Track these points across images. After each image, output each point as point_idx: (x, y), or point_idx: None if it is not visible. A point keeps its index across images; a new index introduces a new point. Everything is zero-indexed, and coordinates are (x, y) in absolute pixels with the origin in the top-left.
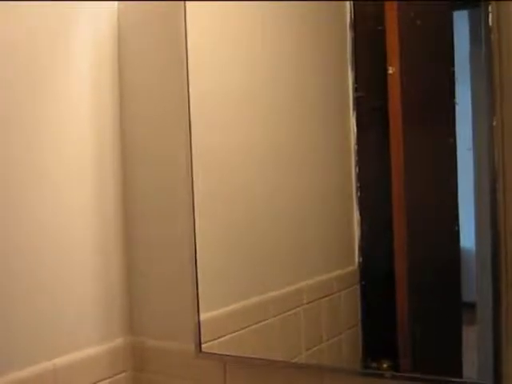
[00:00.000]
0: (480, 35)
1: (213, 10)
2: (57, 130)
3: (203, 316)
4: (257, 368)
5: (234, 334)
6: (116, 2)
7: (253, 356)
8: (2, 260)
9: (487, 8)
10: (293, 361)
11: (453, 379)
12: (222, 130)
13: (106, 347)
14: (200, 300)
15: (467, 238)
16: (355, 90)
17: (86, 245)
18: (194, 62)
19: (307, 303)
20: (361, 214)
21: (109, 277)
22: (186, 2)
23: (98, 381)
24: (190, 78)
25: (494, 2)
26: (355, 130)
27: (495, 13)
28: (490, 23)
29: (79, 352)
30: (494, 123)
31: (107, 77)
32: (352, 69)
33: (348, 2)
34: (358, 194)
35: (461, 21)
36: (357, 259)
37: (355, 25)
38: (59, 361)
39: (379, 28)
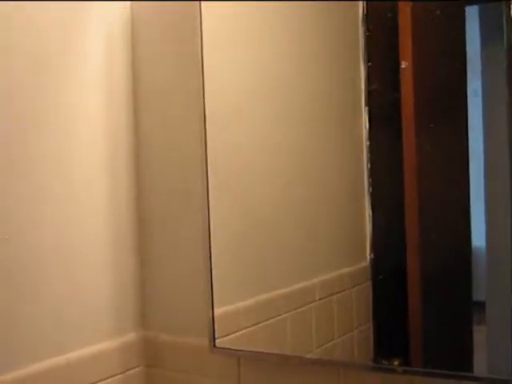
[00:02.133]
0: (492, 30)
1: (227, 6)
2: (70, 128)
3: (217, 311)
4: (271, 363)
5: (247, 330)
6: (129, 2)
7: (267, 351)
8: (14, 253)
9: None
10: (307, 356)
11: (465, 373)
12: (237, 127)
13: (119, 342)
14: (214, 295)
15: (478, 236)
16: (368, 84)
17: (99, 240)
18: (209, 59)
19: (319, 299)
20: (373, 210)
21: (122, 271)
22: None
23: (111, 376)
24: (204, 75)
25: None
26: (367, 126)
27: None
28: None
29: (92, 347)
30: None
31: (121, 75)
32: (365, 63)
33: None
34: (370, 189)
35: (472, 15)
36: (368, 256)
37: (368, 19)
38: (72, 355)
39: (392, 22)
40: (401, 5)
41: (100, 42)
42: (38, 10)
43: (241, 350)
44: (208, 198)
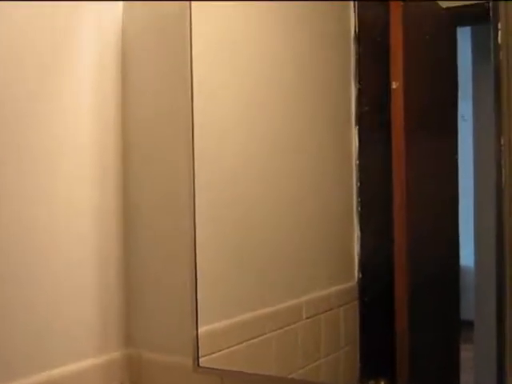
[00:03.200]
0: (484, 52)
1: (218, 14)
2: (58, 133)
3: (201, 330)
4: (254, 383)
5: (232, 349)
6: (121, 3)
7: (250, 371)
8: None
9: (496, 25)
10: (290, 376)
11: None
12: (225, 139)
13: (103, 360)
14: (198, 313)
15: (467, 256)
16: (359, 104)
17: (85, 257)
18: (199, 66)
19: (306, 318)
20: (361, 230)
21: (107, 289)
22: (192, 4)
23: None
24: (194, 81)
25: (503, 19)
26: (357, 144)
27: (504, 30)
28: (499, 41)
29: (76, 364)
30: (502, 142)
31: (110, 81)
32: (356, 83)
33: (353, 17)
34: (359, 209)
35: (464, 37)
36: (356, 275)
37: (360, 38)
38: (55, 372)
39: (384, 42)
40: (392, 25)
41: (91, 46)
42: (29, 13)
43: (224, 370)
44: (194, 217)
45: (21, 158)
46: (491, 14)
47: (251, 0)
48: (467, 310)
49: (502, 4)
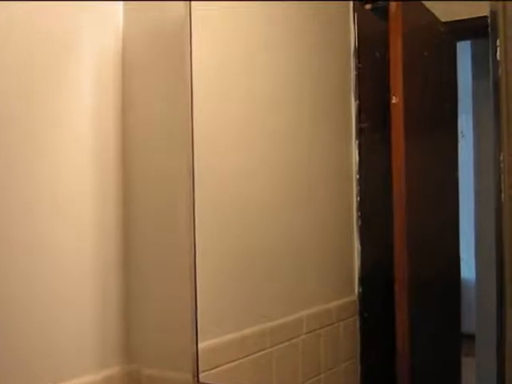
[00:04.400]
0: (483, 67)
1: (219, 23)
2: (56, 139)
3: (201, 345)
4: None
5: (232, 364)
6: (121, 6)
7: None
8: None
9: (495, 42)
10: None
11: None
12: (224, 152)
13: (103, 375)
14: (198, 328)
15: (468, 269)
16: (358, 119)
17: (84, 271)
18: (199, 83)
19: (306, 333)
20: (361, 244)
21: (106, 304)
22: (192, 19)
23: None
24: (194, 86)
25: (502, 36)
26: (357, 159)
27: (503, 47)
28: (498, 57)
29: (75, 380)
30: (501, 158)
31: (110, 85)
32: (355, 98)
33: (352, 32)
34: (359, 223)
35: (464, 52)
36: (357, 289)
37: (359, 54)
38: None
39: (384, 58)
40: (392, 40)
41: (91, 54)
42: (29, 19)
43: None
44: (194, 231)
45: (17, 165)
46: (490, 30)
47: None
48: (468, 324)
49: (500, 20)
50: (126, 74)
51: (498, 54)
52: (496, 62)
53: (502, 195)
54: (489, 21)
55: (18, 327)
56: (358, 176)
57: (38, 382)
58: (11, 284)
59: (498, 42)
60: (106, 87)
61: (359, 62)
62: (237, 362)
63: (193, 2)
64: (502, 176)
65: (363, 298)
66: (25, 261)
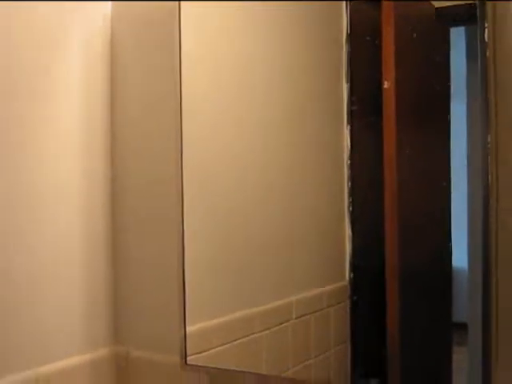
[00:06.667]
0: (476, 51)
1: (208, 15)
2: (43, 134)
3: (189, 328)
4: (243, 382)
5: (220, 348)
6: (109, 5)
7: (239, 369)
8: None
9: (483, 24)
10: (281, 376)
11: None
12: (214, 139)
13: (90, 357)
14: (186, 312)
15: (460, 257)
16: (350, 104)
17: (73, 256)
18: (187, 69)
19: (296, 318)
20: (352, 230)
21: (94, 285)
22: (181, 7)
23: None
24: (182, 85)
25: (489, 18)
26: (349, 144)
27: (491, 29)
28: (486, 39)
29: (63, 361)
30: (489, 140)
31: (99, 81)
32: (347, 82)
33: (345, 17)
34: (350, 209)
35: (458, 37)
36: (348, 275)
37: (351, 38)
38: (42, 370)
39: (375, 42)
40: (384, 25)
41: (79, 50)
42: (17, 16)
43: (212, 368)
44: (182, 216)
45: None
46: (478, 13)
47: (242, 0)
48: (460, 312)
49: (489, 3)
50: (115, 60)
51: (485, 35)
52: (484, 44)
53: (489, 177)
54: (477, 3)
55: (5, 310)
56: (349, 161)
57: (26, 363)
58: None
59: (485, 24)
60: (95, 74)
61: (351, 48)
62: (226, 346)
63: None
64: (489, 157)
65: (354, 283)
66: (10, 247)
